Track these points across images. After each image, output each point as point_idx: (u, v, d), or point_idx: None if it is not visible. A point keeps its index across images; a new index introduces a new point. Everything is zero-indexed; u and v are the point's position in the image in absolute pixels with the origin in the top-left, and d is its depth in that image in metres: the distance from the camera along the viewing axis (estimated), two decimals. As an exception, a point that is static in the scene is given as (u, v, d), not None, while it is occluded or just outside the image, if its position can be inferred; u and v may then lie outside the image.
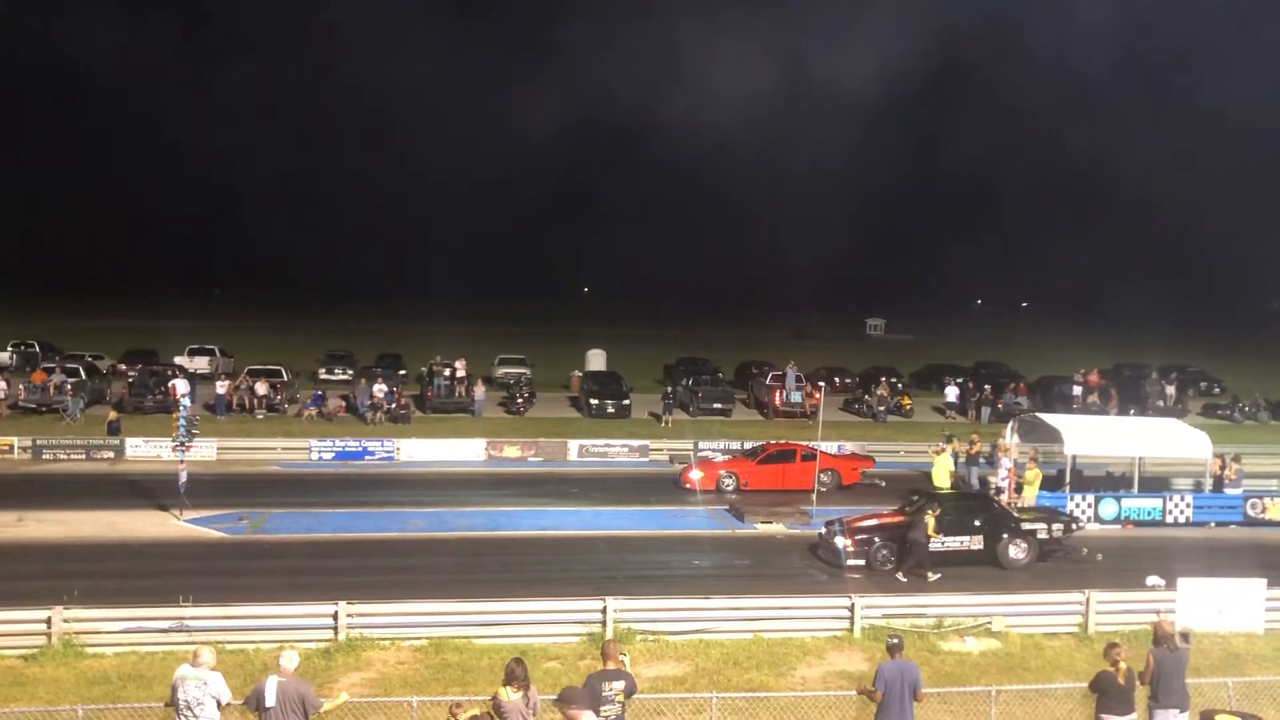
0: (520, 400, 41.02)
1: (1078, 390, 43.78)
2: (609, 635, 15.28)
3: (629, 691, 10.60)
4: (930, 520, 20.02)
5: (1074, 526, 21.83)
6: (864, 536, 20.46)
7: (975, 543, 20.68)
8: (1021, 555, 20.82)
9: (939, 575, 19.64)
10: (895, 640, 11.38)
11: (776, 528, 23.75)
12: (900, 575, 19.70)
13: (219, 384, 38.87)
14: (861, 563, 20.14)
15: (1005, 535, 20.83)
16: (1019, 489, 24.57)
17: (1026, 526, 21.09)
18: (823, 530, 21.39)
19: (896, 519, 21.22)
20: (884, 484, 28.33)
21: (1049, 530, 21.19)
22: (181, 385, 36.31)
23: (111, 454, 30.56)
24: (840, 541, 20.26)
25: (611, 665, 10.65)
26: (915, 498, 22.38)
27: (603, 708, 10.38)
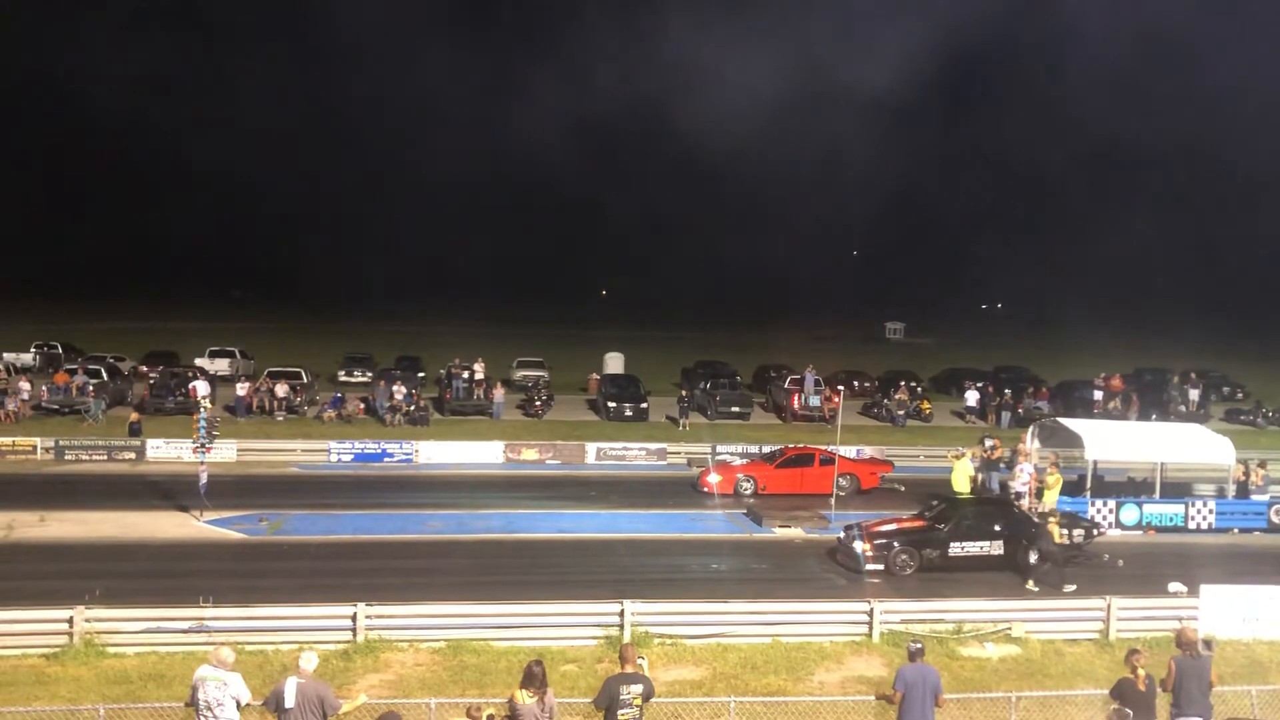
0: (538, 403, 41.06)
1: (1098, 395, 43.48)
2: (627, 639, 15.27)
3: (646, 695, 10.59)
4: (1055, 528, 19.92)
5: (1095, 532, 21.67)
6: (883, 541, 20.39)
7: (995, 548, 20.56)
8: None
9: (1074, 587, 19.33)
10: (917, 645, 11.34)
11: (795, 532, 23.69)
12: (1030, 584, 19.50)
13: (239, 386, 39.09)
14: (880, 567, 20.07)
15: (1025, 541, 20.70)
16: (1039, 494, 24.43)
17: None
18: (841, 535, 21.32)
19: (915, 524, 21.16)
20: (903, 489, 28.22)
21: (1070, 536, 21.04)
22: (202, 387, 36.76)
23: (133, 455, 30.77)
24: (859, 546, 20.20)
25: (629, 669, 10.65)
26: (934, 502, 22.31)
27: (620, 711, 10.38)
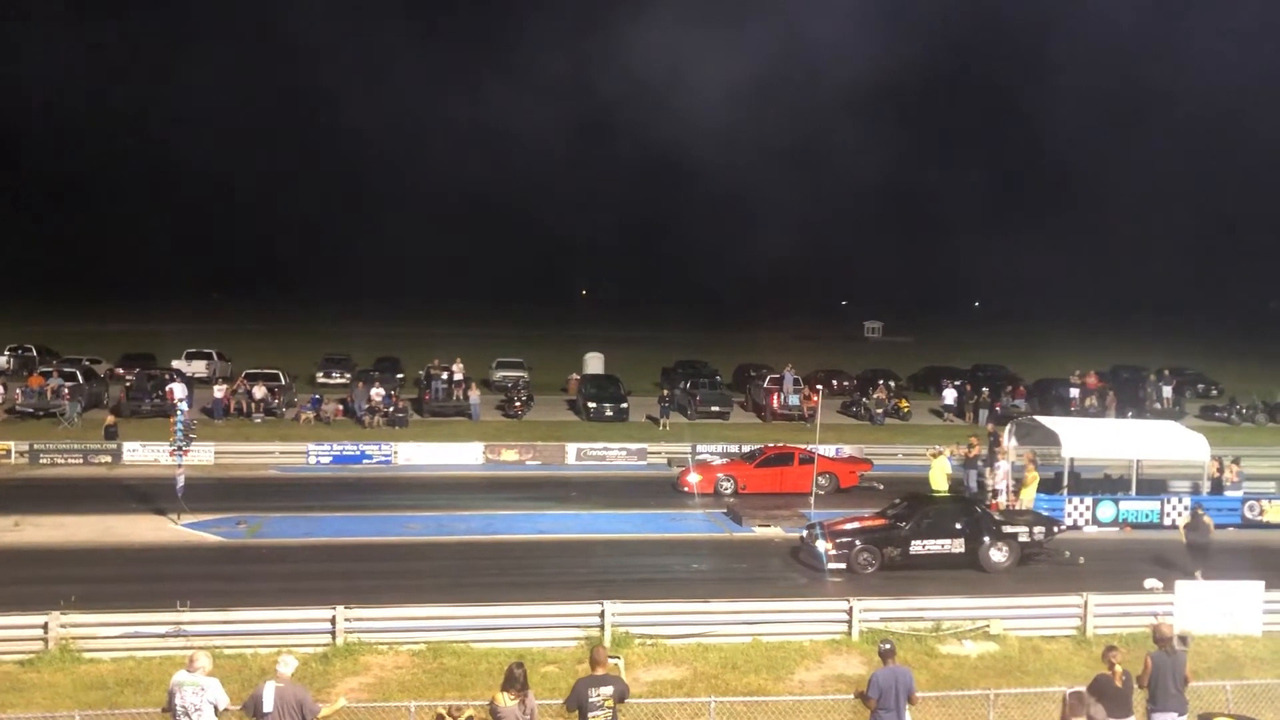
0: (518, 403, 41.01)
1: (1075, 392, 43.79)
2: (608, 639, 15.31)
3: (620, 696, 10.57)
4: (1206, 518, 20.12)
5: (1055, 529, 21.82)
6: (845, 540, 20.45)
7: (956, 546, 20.67)
8: (1003, 558, 20.82)
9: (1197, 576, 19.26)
10: (888, 646, 11.34)
11: (775, 531, 23.75)
12: (1199, 575, 19.44)
13: (216, 388, 38.87)
14: (842, 566, 20.12)
15: (986, 538, 20.82)
16: (1017, 491, 24.58)
17: (1008, 529, 21.10)
18: (804, 534, 21.40)
19: (877, 522, 21.25)
20: (882, 487, 28.32)
21: (1030, 533, 21.19)
22: (179, 389, 36.38)
23: (109, 458, 30.52)
24: (821, 545, 20.25)
25: (600, 671, 10.62)
26: (898, 501, 22.45)
27: (591, 714, 10.36)
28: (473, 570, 20.41)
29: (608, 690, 10.45)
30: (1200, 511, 20.46)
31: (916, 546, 20.49)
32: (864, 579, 19.82)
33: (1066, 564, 21.35)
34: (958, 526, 20.84)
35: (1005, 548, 20.88)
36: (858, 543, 20.38)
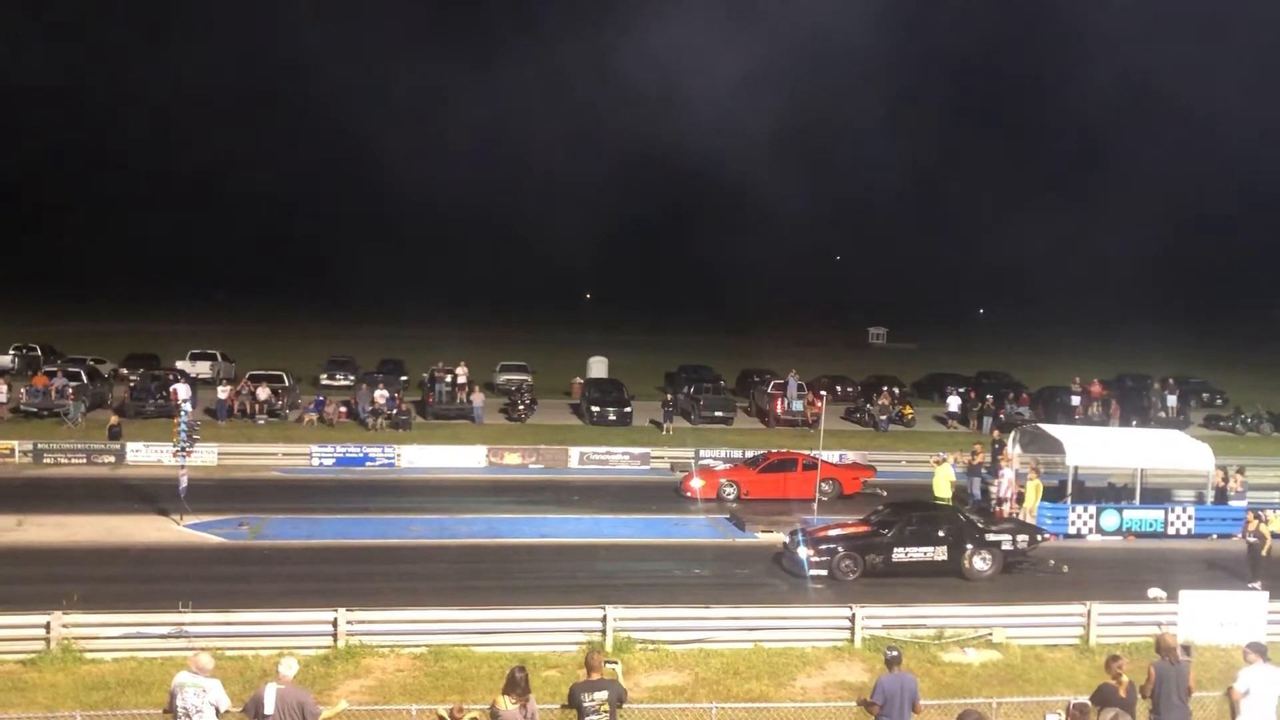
0: (521, 407, 41.00)
1: (1077, 400, 43.72)
2: (609, 644, 15.31)
3: (616, 700, 10.58)
4: (1261, 527, 20.15)
5: (1039, 538, 21.75)
6: (827, 546, 20.40)
7: (939, 553, 20.64)
8: (985, 566, 20.79)
9: (1257, 586, 19.15)
10: (895, 653, 11.34)
11: (777, 536, 23.69)
12: (1258, 585, 19.45)
13: (220, 389, 38.85)
14: (824, 573, 20.07)
15: (969, 546, 20.78)
16: (1020, 500, 24.56)
17: (991, 538, 21.05)
18: (785, 540, 21.34)
19: (860, 529, 21.20)
20: (885, 493, 28.27)
21: (1014, 541, 21.14)
22: (183, 390, 36.55)
23: (112, 458, 30.56)
24: (803, 552, 20.19)
25: (595, 676, 10.62)
26: (881, 508, 22.44)
27: (586, 718, 10.36)
28: (475, 573, 20.42)
29: (602, 695, 10.46)
30: (1256, 521, 20.34)
31: (899, 554, 20.45)
32: (845, 586, 19.73)
33: (1051, 572, 21.31)
34: (940, 534, 20.81)
35: (988, 556, 20.85)
36: (840, 549, 20.33)
